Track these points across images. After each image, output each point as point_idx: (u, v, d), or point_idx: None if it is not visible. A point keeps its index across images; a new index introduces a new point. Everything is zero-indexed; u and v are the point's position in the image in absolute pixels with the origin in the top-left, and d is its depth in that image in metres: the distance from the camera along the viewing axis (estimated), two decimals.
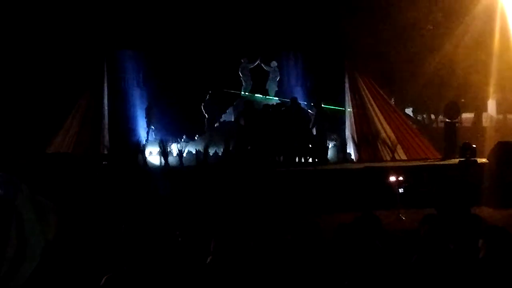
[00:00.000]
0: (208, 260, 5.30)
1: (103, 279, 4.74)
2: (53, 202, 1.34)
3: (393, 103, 24.95)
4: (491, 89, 24.28)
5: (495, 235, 4.89)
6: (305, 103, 23.32)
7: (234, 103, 24.16)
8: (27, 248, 1.21)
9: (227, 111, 24.41)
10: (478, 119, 28.04)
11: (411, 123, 24.68)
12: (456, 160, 18.22)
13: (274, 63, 24.65)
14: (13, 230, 1.19)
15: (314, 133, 21.05)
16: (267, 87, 24.69)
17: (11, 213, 1.19)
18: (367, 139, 22.39)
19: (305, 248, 5.51)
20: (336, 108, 23.45)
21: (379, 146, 22.16)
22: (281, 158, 20.57)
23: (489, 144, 18.80)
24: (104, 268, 5.05)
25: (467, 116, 26.37)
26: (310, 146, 21.01)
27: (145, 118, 23.68)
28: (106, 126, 22.80)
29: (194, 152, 21.42)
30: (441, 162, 19.25)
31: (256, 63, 24.55)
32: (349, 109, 23.61)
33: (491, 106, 27.85)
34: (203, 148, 21.10)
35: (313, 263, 5.31)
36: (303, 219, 6.28)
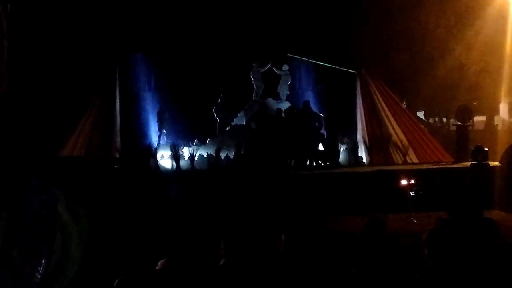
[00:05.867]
0: (222, 262, 5.31)
1: (116, 282, 4.77)
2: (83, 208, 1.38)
3: (405, 106, 24.90)
4: (503, 93, 24.19)
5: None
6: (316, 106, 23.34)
7: (246, 107, 24.17)
8: (70, 251, 1.25)
9: (238, 114, 24.43)
10: (490, 122, 27.94)
11: (422, 126, 24.61)
12: (468, 163, 18.16)
13: (285, 67, 24.63)
14: (59, 234, 1.23)
15: (326, 136, 21.06)
16: (278, 90, 24.67)
17: (55, 217, 1.23)
18: (379, 142, 22.33)
19: (318, 253, 5.51)
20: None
21: (391, 149, 22.11)
22: (292, 161, 20.57)
23: (501, 147, 18.72)
24: (115, 271, 5.08)
25: (479, 119, 26.27)
26: (322, 149, 21.02)
27: (157, 121, 23.74)
28: (118, 130, 22.88)
29: (205, 155, 21.42)
30: (453, 165, 19.17)
31: (268, 66, 24.54)
32: (360, 112, 23.57)
33: (503, 109, 27.79)
34: (214, 151, 21.12)
35: (325, 267, 5.32)
36: (313, 226, 6.30)
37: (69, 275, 1.25)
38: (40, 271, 1.19)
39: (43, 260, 1.20)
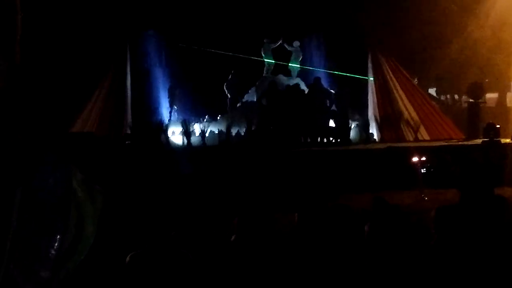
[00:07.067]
0: (233, 238, 5.35)
1: (128, 257, 4.81)
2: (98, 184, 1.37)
3: (416, 83, 24.76)
4: None
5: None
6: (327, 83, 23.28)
7: (257, 83, 24.13)
8: (84, 228, 1.26)
9: (249, 91, 24.40)
10: (502, 99, 27.73)
11: (434, 103, 24.49)
12: (480, 141, 18.10)
13: (296, 43, 24.55)
14: (73, 210, 1.23)
15: (336, 113, 21.03)
16: (289, 67, 24.61)
17: (70, 194, 1.24)
18: (390, 119, 22.27)
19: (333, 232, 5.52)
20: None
21: (402, 126, 22.05)
22: (303, 138, 20.56)
23: None
24: (127, 246, 5.12)
25: (491, 96, 26.08)
26: (333, 126, 21.01)
27: (168, 98, 23.74)
28: (129, 106, 22.90)
29: (216, 132, 21.46)
30: (465, 143, 19.13)
31: (279, 43, 24.45)
32: (371, 89, 23.48)
33: None
34: (225, 128, 21.14)
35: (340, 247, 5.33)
36: (331, 204, 6.30)
37: (84, 251, 1.26)
38: (55, 247, 1.20)
39: (58, 236, 1.21)
